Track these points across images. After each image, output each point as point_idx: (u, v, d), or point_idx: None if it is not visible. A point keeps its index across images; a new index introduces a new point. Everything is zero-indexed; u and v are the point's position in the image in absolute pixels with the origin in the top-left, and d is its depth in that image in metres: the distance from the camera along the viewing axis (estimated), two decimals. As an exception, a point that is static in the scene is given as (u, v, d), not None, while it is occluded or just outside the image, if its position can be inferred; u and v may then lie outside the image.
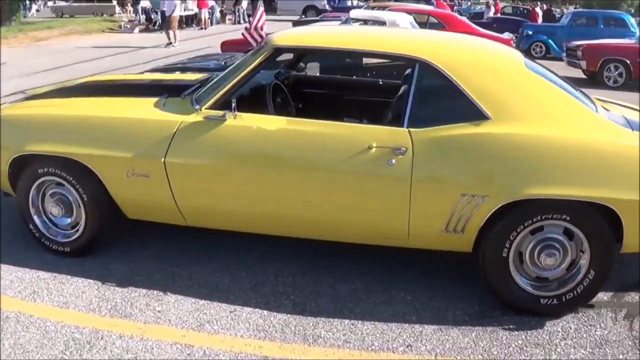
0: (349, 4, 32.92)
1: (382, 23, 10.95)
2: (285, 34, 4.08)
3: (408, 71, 4.59)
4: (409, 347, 3.26)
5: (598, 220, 3.38)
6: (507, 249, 3.46)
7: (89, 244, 4.05)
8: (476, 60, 3.71)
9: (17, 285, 3.72)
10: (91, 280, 3.80)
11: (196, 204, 3.80)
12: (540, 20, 26.48)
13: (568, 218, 3.38)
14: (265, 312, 3.54)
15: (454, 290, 3.83)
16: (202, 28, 25.47)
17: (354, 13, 12.40)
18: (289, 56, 5.05)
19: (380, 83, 5.28)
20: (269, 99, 3.95)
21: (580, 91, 3.90)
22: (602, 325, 3.51)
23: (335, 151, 3.51)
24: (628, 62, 13.22)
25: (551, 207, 3.38)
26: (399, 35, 4.38)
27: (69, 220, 4.04)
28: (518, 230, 3.43)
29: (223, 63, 7.90)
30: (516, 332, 3.41)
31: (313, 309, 3.60)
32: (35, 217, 4.05)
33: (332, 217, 3.64)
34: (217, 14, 28.25)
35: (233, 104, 3.57)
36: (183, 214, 3.84)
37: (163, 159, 3.65)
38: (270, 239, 4.00)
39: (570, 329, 3.46)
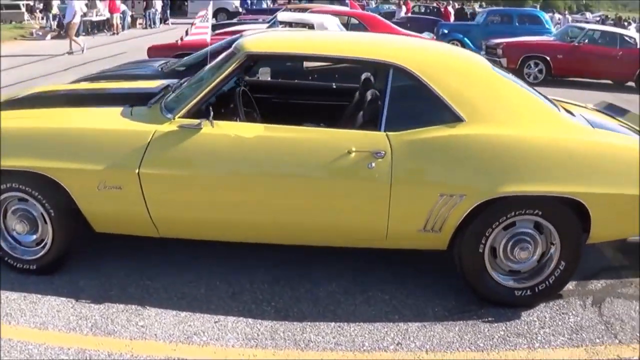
0: (264, 5, 32.83)
1: (310, 26, 10.99)
2: (257, 39, 4.05)
3: (366, 75, 4.70)
4: (399, 345, 3.34)
5: (568, 214, 3.57)
6: (483, 245, 3.60)
7: (56, 261, 3.90)
8: (448, 64, 3.84)
9: (-14, 309, 3.55)
10: (63, 298, 3.66)
11: (171, 214, 3.74)
12: (452, 18, 27.15)
13: (540, 213, 3.56)
14: (250, 320, 3.53)
15: (428, 287, 3.94)
16: (114, 33, 24.77)
17: (281, 16, 12.37)
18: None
19: (334, 87, 5.34)
20: (240, 106, 3.92)
21: (540, 93, 4.09)
22: (573, 312, 3.71)
23: (316, 157, 3.54)
24: (548, 58, 13.88)
25: (525, 203, 3.54)
26: (371, 41, 4.45)
27: (34, 237, 3.86)
28: (493, 226, 3.58)
29: (160, 69, 7.76)
30: (496, 324, 3.56)
31: (296, 314, 3.61)
32: (-3, 237, 3.87)
33: (313, 222, 3.67)
34: (128, 19, 27.54)
35: (211, 113, 3.53)
36: (156, 226, 3.76)
37: (137, 170, 3.56)
38: (238, 246, 3.99)
39: (546, 317, 3.64)
